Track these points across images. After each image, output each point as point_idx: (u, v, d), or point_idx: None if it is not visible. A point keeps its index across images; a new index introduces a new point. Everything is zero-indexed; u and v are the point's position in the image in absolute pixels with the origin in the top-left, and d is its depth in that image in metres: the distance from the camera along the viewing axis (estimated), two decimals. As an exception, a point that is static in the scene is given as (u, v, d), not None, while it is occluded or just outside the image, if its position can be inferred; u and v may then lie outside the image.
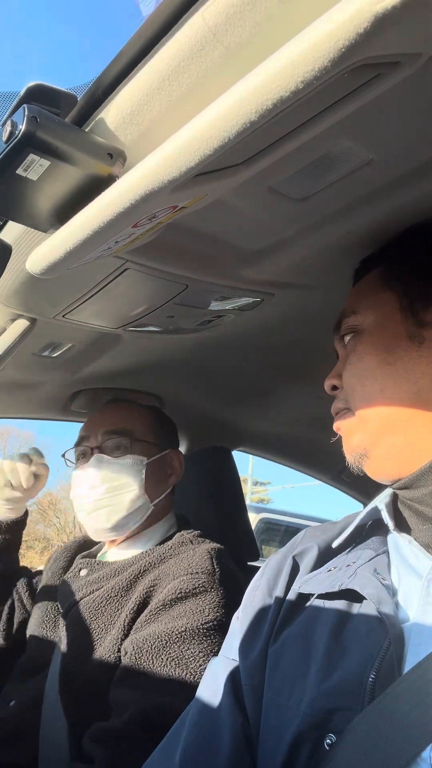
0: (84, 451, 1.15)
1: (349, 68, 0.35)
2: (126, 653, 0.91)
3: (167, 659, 0.88)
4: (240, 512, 1.47)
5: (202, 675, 0.73)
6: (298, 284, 0.81)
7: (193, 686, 0.76)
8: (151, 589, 0.98)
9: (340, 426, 0.68)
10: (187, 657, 0.88)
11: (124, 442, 1.11)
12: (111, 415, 1.18)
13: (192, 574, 0.97)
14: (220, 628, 0.91)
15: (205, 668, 0.76)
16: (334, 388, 0.69)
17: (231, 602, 0.94)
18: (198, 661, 0.88)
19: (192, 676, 0.87)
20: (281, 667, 0.60)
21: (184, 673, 0.87)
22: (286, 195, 0.60)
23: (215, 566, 0.99)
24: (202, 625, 0.91)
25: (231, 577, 1.01)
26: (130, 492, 1.09)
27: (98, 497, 1.09)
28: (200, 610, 0.92)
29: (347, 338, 0.68)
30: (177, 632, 0.89)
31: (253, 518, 5.69)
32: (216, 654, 0.73)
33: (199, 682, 0.71)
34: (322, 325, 0.95)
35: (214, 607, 0.93)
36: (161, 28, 0.42)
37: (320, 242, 0.70)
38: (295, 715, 0.54)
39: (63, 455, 1.19)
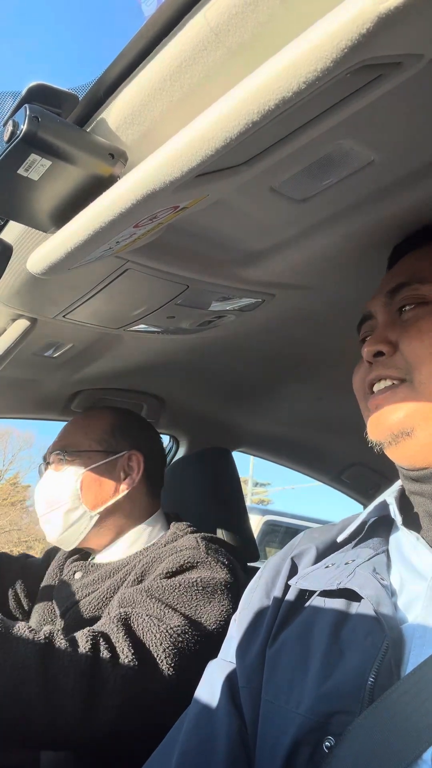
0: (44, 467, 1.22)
1: (351, 69, 0.35)
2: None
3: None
4: (240, 513, 1.47)
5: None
6: (299, 285, 0.81)
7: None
8: (143, 579, 1.00)
9: (385, 399, 0.61)
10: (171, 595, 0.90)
11: (64, 456, 1.15)
12: (62, 432, 1.22)
13: (177, 552, 0.99)
14: (215, 591, 0.93)
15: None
16: (379, 354, 0.63)
17: (222, 577, 0.96)
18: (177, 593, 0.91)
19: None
20: (279, 669, 0.59)
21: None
22: (287, 196, 0.60)
23: (199, 542, 1.01)
24: (194, 583, 0.93)
25: (221, 556, 1.02)
26: (62, 506, 1.11)
27: (41, 513, 1.15)
28: (195, 578, 0.94)
29: (408, 307, 0.63)
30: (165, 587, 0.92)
31: (258, 520, 5.61)
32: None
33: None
34: (323, 325, 0.95)
35: (206, 577, 0.94)
36: (163, 28, 0.42)
37: (321, 243, 0.69)
38: (293, 718, 0.54)
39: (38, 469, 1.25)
